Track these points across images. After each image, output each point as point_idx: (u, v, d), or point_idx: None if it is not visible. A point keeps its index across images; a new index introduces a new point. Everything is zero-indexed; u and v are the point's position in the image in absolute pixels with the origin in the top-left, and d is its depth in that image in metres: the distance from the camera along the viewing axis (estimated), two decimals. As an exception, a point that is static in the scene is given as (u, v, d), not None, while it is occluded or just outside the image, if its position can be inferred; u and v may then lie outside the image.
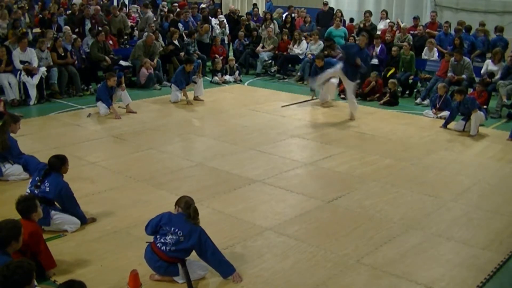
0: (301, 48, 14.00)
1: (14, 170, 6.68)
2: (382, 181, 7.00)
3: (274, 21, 15.81)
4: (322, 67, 11.08)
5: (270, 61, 14.83)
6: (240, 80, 13.54)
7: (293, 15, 16.49)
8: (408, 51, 12.14)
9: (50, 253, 4.61)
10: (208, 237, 4.50)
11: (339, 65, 10.03)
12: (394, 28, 13.92)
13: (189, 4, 18.32)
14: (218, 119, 10.03)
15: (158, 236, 4.48)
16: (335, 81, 10.97)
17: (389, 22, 14.42)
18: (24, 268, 3.31)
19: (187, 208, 4.50)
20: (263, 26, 15.19)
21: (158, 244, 4.45)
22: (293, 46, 14.13)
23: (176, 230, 4.43)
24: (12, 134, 6.80)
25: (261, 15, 16.81)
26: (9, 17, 13.46)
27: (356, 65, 9.78)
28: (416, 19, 14.17)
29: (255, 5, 18.45)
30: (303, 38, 14.21)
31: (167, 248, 4.43)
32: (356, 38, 13.71)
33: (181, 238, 4.42)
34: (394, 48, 12.44)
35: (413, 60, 12.16)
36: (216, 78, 13.27)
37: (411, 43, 12.83)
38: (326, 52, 13.27)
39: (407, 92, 12.38)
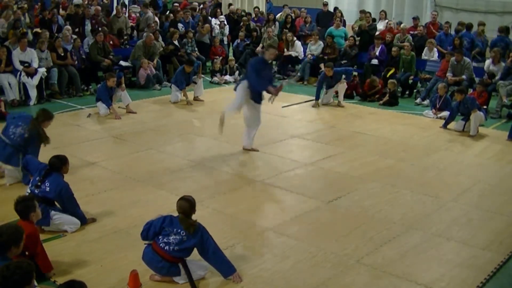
0: (296, 50, 13.96)
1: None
2: (382, 181, 7.00)
3: (276, 22, 15.83)
4: (332, 77, 11.03)
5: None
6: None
7: (291, 14, 16.47)
8: (409, 51, 12.14)
9: (47, 256, 4.58)
10: (210, 236, 4.51)
11: (244, 84, 7.67)
12: (389, 27, 13.90)
13: (190, 4, 18.34)
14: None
15: (160, 237, 4.48)
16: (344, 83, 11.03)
17: (388, 22, 14.41)
18: (24, 268, 3.31)
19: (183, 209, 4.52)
20: (265, 27, 15.18)
21: (161, 244, 4.45)
22: (286, 49, 14.08)
23: (179, 230, 4.44)
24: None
25: (260, 16, 16.82)
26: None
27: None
28: (415, 19, 14.17)
29: (230, 6, 18.42)
30: (295, 39, 14.14)
31: (171, 247, 4.42)
32: (357, 39, 13.77)
33: (184, 238, 4.43)
34: (394, 49, 12.45)
35: (414, 60, 12.16)
36: (215, 78, 13.27)
37: (412, 43, 12.83)
38: (327, 51, 13.30)
39: (407, 92, 12.39)
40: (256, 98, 7.76)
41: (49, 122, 6.63)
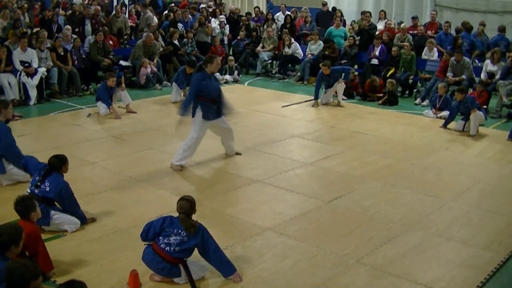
0: (293, 49, 13.95)
1: (18, 170, 6.45)
2: (382, 181, 6.99)
3: (277, 21, 15.84)
4: (329, 75, 11.01)
5: (270, 61, 14.85)
6: (237, 80, 13.48)
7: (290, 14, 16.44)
8: (409, 51, 12.13)
9: (48, 255, 4.58)
10: (210, 236, 4.51)
11: (198, 117, 7.13)
12: (388, 26, 13.89)
13: (189, 4, 18.35)
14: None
15: (161, 238, 4.47)
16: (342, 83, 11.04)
17: (387, 22, 14.41)
18: (28, 265, 3.36)
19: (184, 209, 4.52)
20: (265, 26, 15.18)
21: (161, 245, 4.44)
22: (283, 47, 14.13)
23: (180, 231, 4.43)
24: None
25: (260, 15, 16.82)
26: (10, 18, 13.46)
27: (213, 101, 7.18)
28: (414, 18, 14.16)
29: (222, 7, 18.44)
30: (293, 41, 14.13)
31: (171, 248, 4.42)
32: (356, 38, 13.76)
33: (184, 238, 4.42)
34: (394, 48, 12.45)
35: (414, 60, 12.15)
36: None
37: (412, 43, 12.82)
38: (326, 52, 13.28)
39: (407, 92, 12.39)
40: (210, 115, 7.19)
41: (7, 110, 6.50)
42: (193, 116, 7.20)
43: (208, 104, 7.12)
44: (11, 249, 3.86)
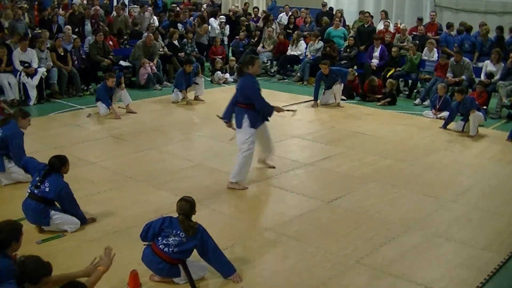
0: (300, 49, 13.97)
1: (18, 168, 6.38)
2: (382, 182, 7.00)
3: (276, 21, 15.84)
4: (328, 75, 10.99)
5: (269, 62, 14.85)
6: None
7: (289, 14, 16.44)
8: (415, 51, 12.10)
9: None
10: (209, 237, 4.51)
11: (246, 127, 6.48)
12: (390, 29, 13.88)
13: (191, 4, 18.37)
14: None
15: (160, 238, 4.46)
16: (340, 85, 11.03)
17: (384, 22, 14.39)
18: (42, 261, 3.45)
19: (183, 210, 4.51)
20: (265, 27, 15.18)
21: (160, 246, 4.43)
22: (291, 46, 14.11)
23: (179, 232, 4.43)
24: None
25: (259, 16, 16.84)
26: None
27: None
28: (420, 20, 14.11)
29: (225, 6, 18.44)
30: (301, 39, 14.17)
31: (170, 249, 4.41)
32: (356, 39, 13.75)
33: (183, 239, 4.42)
34: (394, 49, 12.44)
35: (419, 60, 12.13)
36: (218, 73, 13.24)
37: (417, 42, 12.80)
38: (328, 50, 13.27)
39: (406, 92, 12.38)
40: (258, 122, 6.61)
41: (26, 120, 6.57)
42: (239, 127, 6.54)
43: (253, 111, 6.44)
44: (12, 246, 3.86)
